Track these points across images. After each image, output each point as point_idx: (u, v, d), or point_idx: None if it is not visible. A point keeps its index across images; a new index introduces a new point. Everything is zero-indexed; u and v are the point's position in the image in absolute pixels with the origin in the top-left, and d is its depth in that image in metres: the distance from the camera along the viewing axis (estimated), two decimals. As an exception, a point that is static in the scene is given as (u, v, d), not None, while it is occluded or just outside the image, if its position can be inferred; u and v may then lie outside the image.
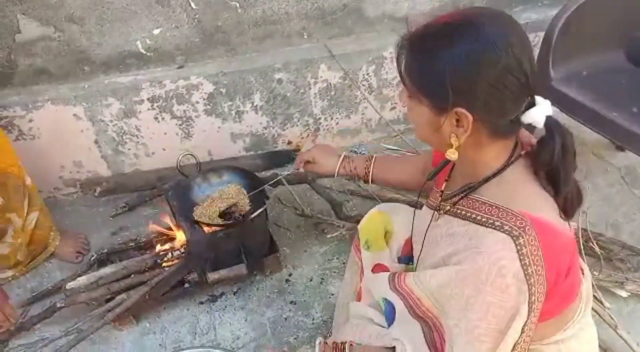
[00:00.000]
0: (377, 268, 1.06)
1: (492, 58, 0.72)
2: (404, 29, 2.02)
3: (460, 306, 0.78)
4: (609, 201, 1.93)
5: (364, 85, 2.10)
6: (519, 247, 0.73)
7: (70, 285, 1.49)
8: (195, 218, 1.52)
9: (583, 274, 0.97)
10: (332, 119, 2.16)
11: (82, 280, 1.50)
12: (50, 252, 1.75)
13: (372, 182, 1.36)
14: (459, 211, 0.86)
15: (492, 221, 0.78)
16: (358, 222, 1.29)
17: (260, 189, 1.58)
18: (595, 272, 1.60)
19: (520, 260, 0.73)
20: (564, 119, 1.75)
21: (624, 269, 1.65)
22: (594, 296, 1.54)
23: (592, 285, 1.53)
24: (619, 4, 1.78)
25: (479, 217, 0.80)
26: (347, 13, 1.98)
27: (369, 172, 1.35)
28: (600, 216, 1.86)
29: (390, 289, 0.94)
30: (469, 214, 0.83)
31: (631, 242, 1.72)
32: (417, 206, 1.07)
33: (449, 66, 0.73)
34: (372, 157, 1.36)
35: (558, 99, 1.72)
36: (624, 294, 1.57)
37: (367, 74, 2.07)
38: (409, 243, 1.16)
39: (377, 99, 2.16)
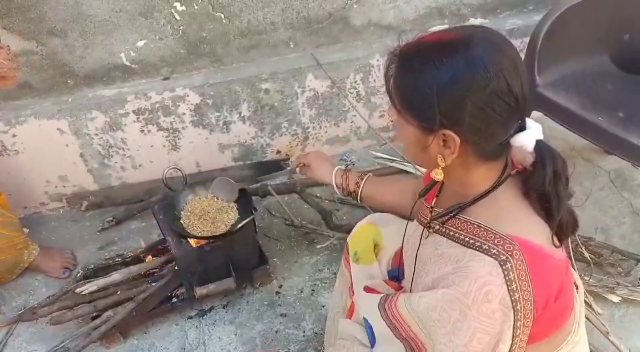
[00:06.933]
0: (368, 290, 1.04)
1: (481, 82, 0.70)
2: (391, 36, 2.06)
3: (447, 330, 0.76)
4: (598, 205, 1.93)
5: (351, 93, 2.09)
6: (506, 273, 0.72)
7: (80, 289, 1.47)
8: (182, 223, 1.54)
9: (577, 290, 0.96)
10: (320, 127, 2.15)
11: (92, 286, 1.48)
12: (23, 267, 1.70)
13: (360, 200, 1.31)
14: (447, 231, 0.85)
15: (479, 244, 0.76)
16: (348, 231, 1.27)
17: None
18: (585, 278, 1.60)
19: (507, 285, 0.72)
20: (550, 124, 1.75)
21: (614, 274, 1.65)
22: (585, 302, 1.53)
23: (584, 291, 1.54)
24: (604, 9, 1.78)
25: (467, 239, 0.79)
26: (334, 22, 1.97)
27: (359, 188, 1.28)
28: (590, 220, 1.86)
29: (379, 309, 0.92)
30: (457, 235, 0.82)
31: (621, 246, 1.73)
32: (409, 217, 1.05)
33: (436, 88, 0.71)
34: (366, 174, 1.31)
35: (544, 105, 1.72)
36: (615, 299, 1.56)
37: (355, 82, 2.06)
38: (398, 255, 1.15)
39: (365, 107, 2.15)
